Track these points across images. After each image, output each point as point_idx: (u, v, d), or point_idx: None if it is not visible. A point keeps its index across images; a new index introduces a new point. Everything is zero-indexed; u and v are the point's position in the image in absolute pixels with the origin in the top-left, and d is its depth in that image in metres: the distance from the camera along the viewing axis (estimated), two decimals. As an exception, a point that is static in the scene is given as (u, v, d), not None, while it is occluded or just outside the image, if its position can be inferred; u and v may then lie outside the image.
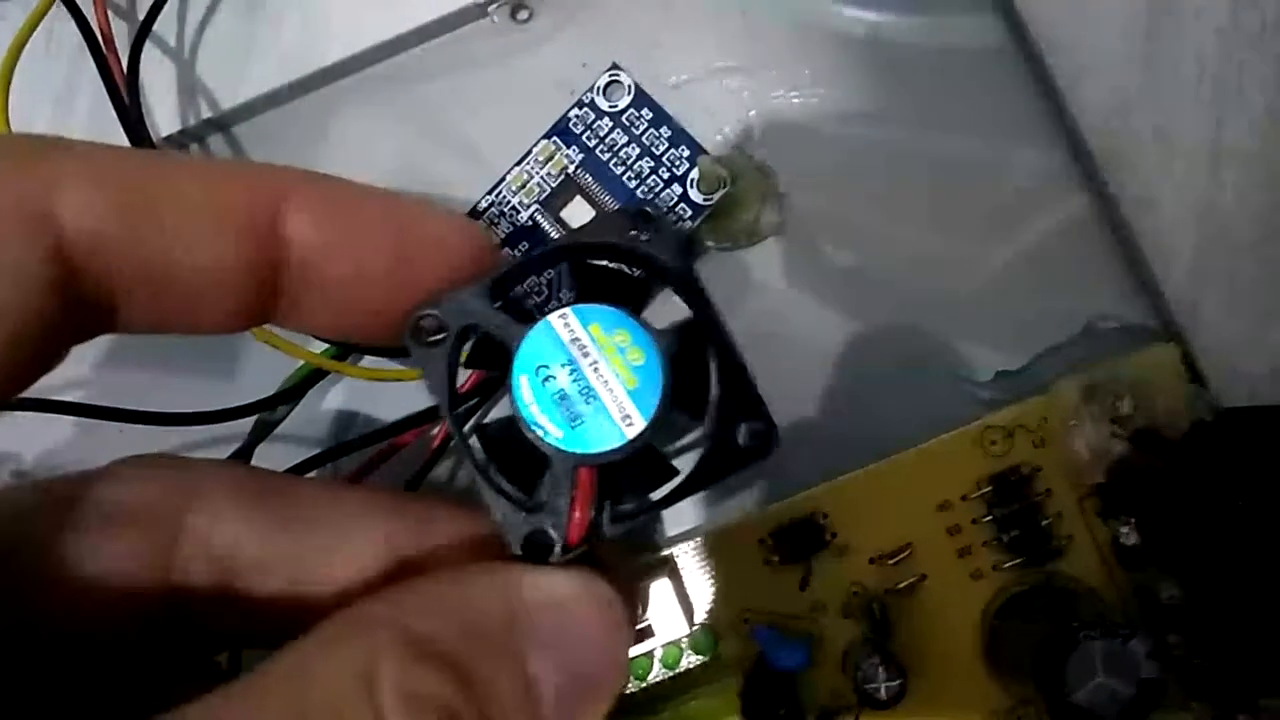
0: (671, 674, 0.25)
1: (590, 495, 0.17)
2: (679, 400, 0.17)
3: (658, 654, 0.25)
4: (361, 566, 0.16)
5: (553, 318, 0.17)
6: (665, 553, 0.25)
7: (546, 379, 0.17)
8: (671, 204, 0.27)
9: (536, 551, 0.16)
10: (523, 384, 0.17)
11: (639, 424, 0.17)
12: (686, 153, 0.27)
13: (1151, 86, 0.26)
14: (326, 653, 0.14)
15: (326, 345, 0.25)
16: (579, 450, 0.17)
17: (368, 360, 0.25)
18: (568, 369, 0.17)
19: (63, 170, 0.15)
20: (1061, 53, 0.26)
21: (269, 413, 0.26)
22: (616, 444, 0.17)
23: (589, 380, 0.17)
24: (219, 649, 0.20)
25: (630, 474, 0.17)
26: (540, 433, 0.17)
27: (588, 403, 0.17)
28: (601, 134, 0.27)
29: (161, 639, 0.16)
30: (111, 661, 0.16)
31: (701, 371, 0.18)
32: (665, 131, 0.27)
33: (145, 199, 0.15)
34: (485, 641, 0.15)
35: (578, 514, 0.16)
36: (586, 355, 0.17)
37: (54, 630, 0.15)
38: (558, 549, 0.16)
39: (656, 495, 0.18)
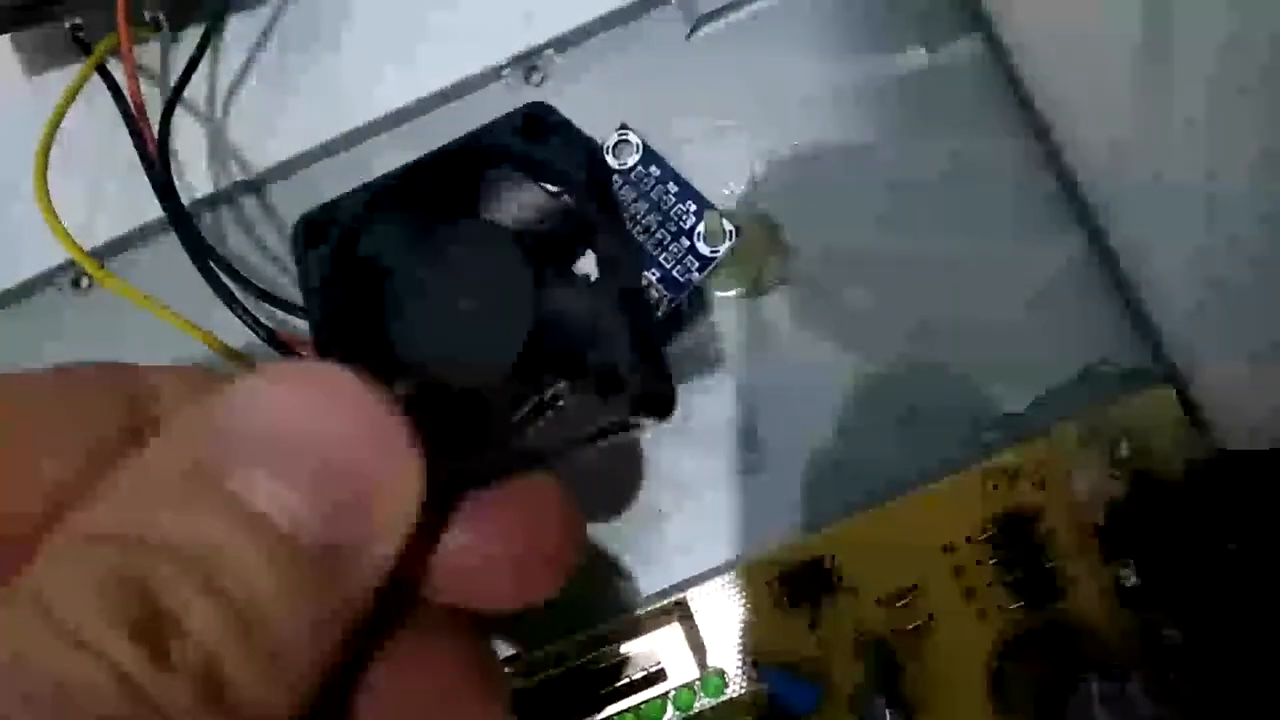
0: (684, 716, 0.26)
1: None
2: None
3: (670, 696, 0.25)
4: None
5: None
6: (677, 597, 0.26)
7: None
8: (680, 257, 0.28)
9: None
10: None
11: None
12: (693, 208, 0.28)
13: (1144, 133, 0.27)
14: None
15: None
16: None
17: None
18: None
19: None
20: (1055, 101, 0.27)
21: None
22: None
23: None
24: None
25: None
26: None
27: None
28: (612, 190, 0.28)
29: None
30: None
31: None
32: (672, 188, 0.28)
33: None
34: (164, 489, 0.12)
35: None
36: None
37: None
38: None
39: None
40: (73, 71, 0.28)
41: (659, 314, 0.28)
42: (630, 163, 0.28)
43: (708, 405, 0.28)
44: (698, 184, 0.28)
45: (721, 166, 0.29)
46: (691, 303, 0.28)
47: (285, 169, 0.30)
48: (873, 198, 0.28)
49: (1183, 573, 0.22)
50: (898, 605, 0.25)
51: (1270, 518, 0.22)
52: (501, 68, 0.30)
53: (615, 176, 0.28)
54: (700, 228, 0.28)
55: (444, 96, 0.30)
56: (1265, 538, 0.22)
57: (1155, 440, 0.25)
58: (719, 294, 0.28)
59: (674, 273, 0.28)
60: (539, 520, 0.15)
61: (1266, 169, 0.26)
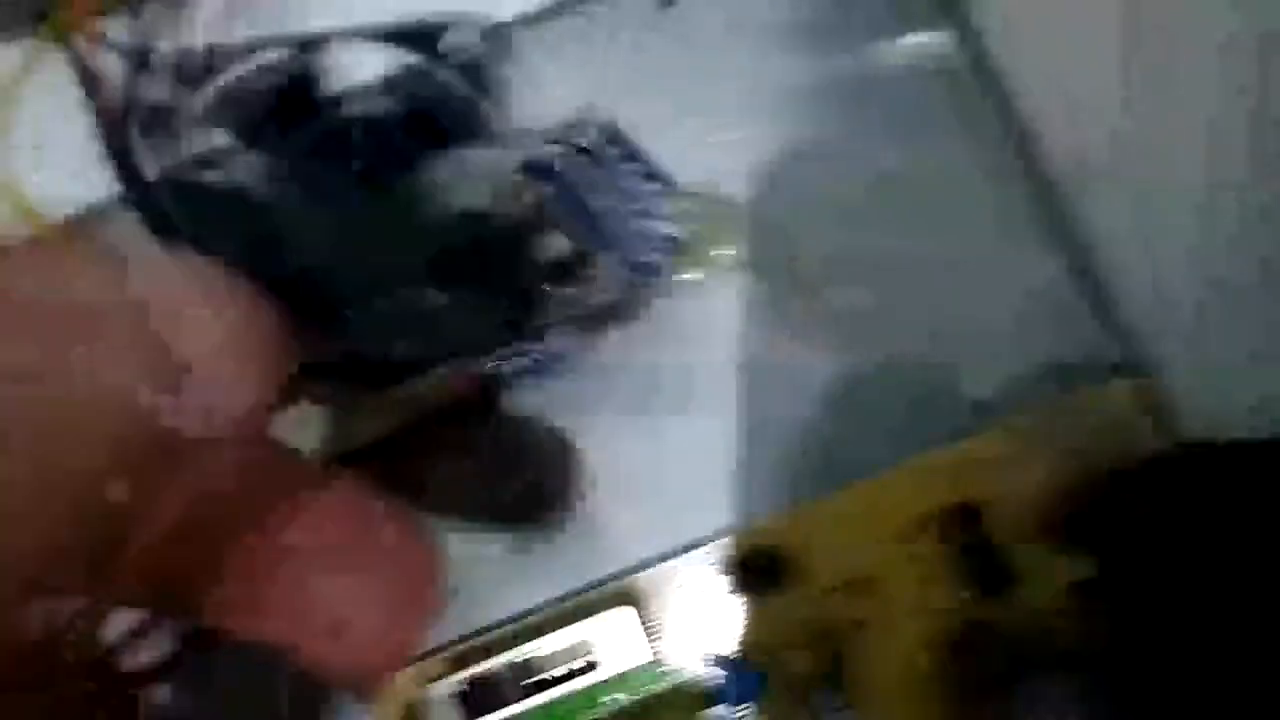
0: (632, 702, 0.25)
1: None
2: None
3: (617, 682, 0.25)
4: None
5: None
6: (624, 582, 0.26)
7: None
8: (642, 238, 0.27)
9: None
10: None
11: None
12: (656, 188, 0.27)
13: (1130, 127, 0.26)
14: None
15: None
16: None
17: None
18: None
19: None
20: (1037, 96, 0.27)
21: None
22: None
23: None
24: None
25: None
26: None
27: None
28: (574, 169, 0.28)
29: None
30: None
31: None
32: (636, 168, 0.28)
33: None
34: None
35: None
36: None
37: None
38: None
39: None
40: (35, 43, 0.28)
41: (620, 296, 0.27)
42: (594, 141, 0.28)
43: (664, 388, 0.28)
44: (664, 165, 0.28)
45: (685, 147, 0.28)
46: (652, 285, 0.28)
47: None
48: (839, 183, 0.28)
49: (1135, 567, 0.22)
50: (849, 594, 0.25)
51: (1227, 512, 0.22)
52: (468, 44, 0.30)
53: (578, 154, 0.28)
54: (663, 209, 0.27)
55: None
56: (1220, 532, 0.21)
57: (1115, 432, 0.24)
58: (681, 276, 0.28)
59: (636, 254, 0.27)
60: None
61: (1256, 167, 0.26)
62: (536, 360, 0.27)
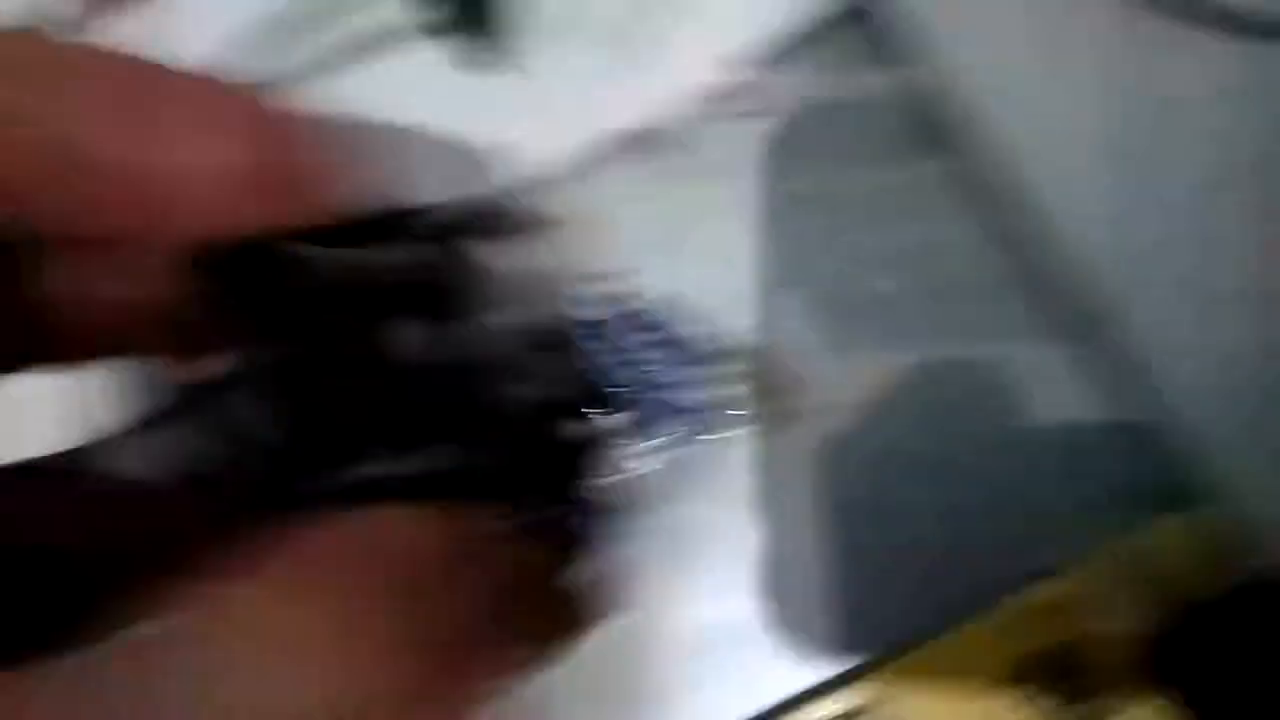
0: None
1: None
2: None
3: None
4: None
5: None
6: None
7: None
8: (688, 385, 0.26)
9: None
10: None
11: None
12: (685, 357, 0.26)
13: (1159, 227, 0.26)
14: None
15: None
16: None
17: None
18: None
19: None
20: (1054, 210, 0.26)
21: None
22: None
23: None
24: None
25: None
26: None
27: None
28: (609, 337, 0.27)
29: None
30: None
31: None
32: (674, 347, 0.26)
33: None
34: None
35: None
36: None
37: None
38: None
39: None
40: None
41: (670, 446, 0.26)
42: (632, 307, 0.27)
43: (723, 553, 0.27)
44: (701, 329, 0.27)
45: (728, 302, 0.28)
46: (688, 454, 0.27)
47: None
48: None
49: (1230, 708, 0.21)
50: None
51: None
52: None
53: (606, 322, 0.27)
54: (690, 378, 0.26)
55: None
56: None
57: (1191, 567, 0.24)
58: (730, 434, 0.27)
59: (670, 429, 0.26)
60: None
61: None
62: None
